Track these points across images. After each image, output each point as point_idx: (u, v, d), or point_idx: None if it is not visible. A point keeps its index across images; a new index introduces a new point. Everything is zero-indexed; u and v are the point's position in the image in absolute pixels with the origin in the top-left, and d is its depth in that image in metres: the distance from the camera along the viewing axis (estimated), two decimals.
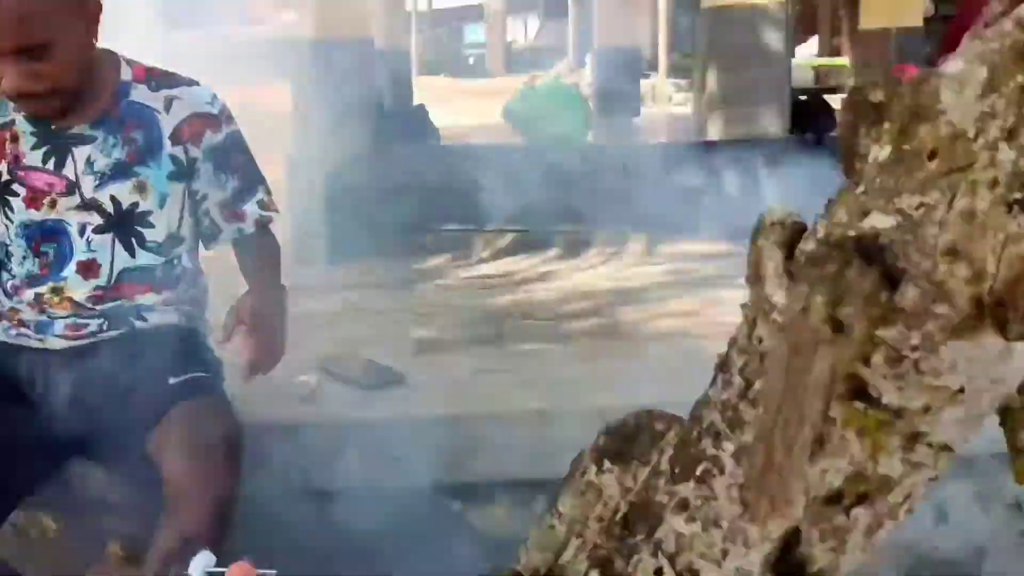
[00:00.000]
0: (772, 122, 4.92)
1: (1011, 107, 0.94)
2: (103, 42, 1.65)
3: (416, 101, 6.91)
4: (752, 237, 1.24)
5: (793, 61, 17.08)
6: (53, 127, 1.67)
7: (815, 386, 1.03)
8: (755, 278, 1.19)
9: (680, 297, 4.04)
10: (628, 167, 5.13)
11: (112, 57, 1.76)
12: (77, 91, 1.65)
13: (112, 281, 1.72)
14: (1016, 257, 0.92)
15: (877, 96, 1.08)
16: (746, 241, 1.24)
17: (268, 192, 1.86)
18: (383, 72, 6.16)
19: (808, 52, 21.53)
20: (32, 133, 1.67)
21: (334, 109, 5.53)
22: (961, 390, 1.00)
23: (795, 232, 1.19)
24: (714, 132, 5.05)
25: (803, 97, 5.44)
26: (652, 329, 3.53)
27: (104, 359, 1.75)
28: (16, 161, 1.68)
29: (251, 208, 1.81)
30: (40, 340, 1.75)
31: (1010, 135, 0.93)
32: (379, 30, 6.43)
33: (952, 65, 1.00)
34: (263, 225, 1.86)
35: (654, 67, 16.49)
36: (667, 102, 14.52)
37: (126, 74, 1.71)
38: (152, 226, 1.72)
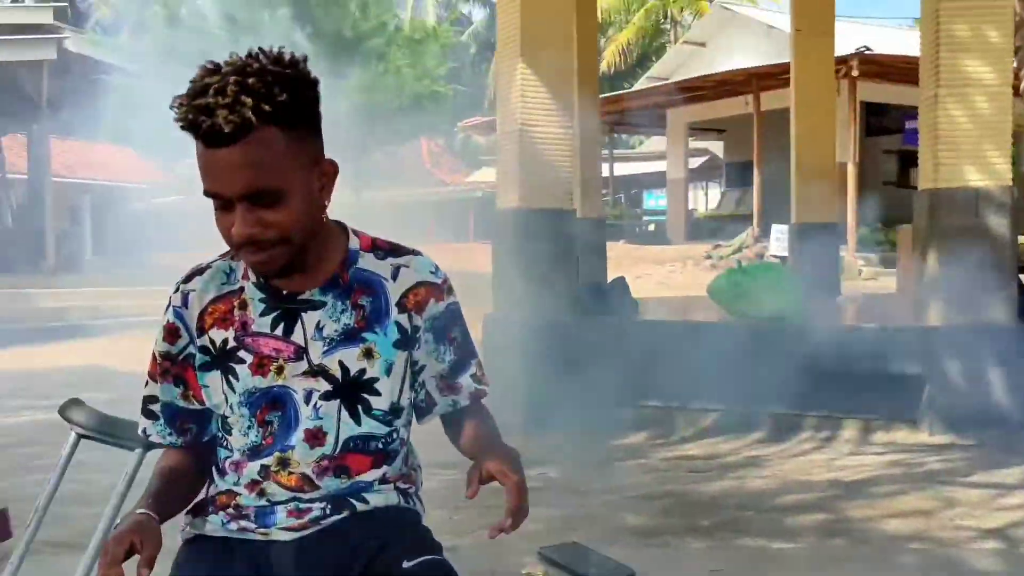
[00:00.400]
0: (998, 308, 4.67)
1: None
2: None
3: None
4: None
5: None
6: (284, 292, 1.65)
7: None
8: None
9: (908, 493, 3.78)
10: (838, 348, 4.94)
11: (340, 226, 1.76)
12: (305, 252, 1.64)
13: (337, 450, 1.65)
14: None
15: None
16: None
17: (480, 366, 1.79)
18: (580, 241, 6.23)
19: None
20: (261, 299, 1.66)
21: (533, 275, 5.59)
22: None
23: None
24: (933, 316, 4.82)
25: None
26: (885, 530, 3.29)
27: (333, 547, 1.65)
28: (244, 328, 1.65)
29: (466, 381, 1.75)
30: (264, 533, 1.67)
31: None
32: (577, 201, 6.53)
33: None
34: (477, 399, 1.77)
35: (842, 240, 16.24)
36: (856, 276, 14.24)
37: (354, 243, 1.70)
38: (378, 394, 1.66)
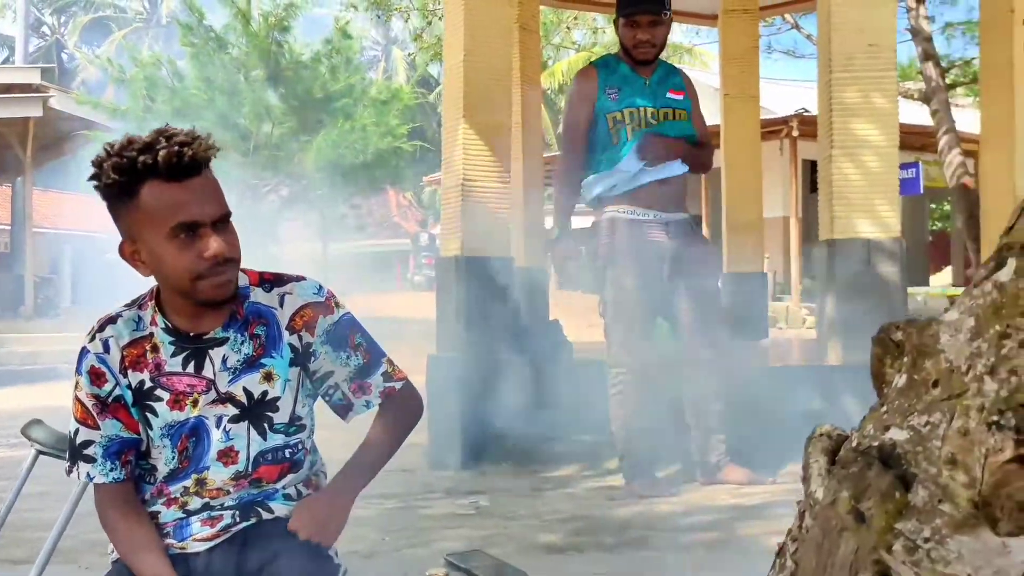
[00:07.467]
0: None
1: (992, 349, 1.20)
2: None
3: (552, 316, 7.27)
4: (805, 445, 1.50)
5: (926, 290, 17.17)
6: (192, 334, 1.81)
7: (841, 565, 1.27)
8: (805, 478, 1.44)
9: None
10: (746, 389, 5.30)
11: None
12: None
13: (250, 466, 1.85)
14: (996, 465, 1.16)
15: (897, 336, 1.36)
16: None
17: (391, 363, 1.95)
18: (522, 288, 6.59)
19: (944, 281, 21.84)
20: (171, 342, 1.80)
21: (476, 320, 5.93)
22: None
23: (839, 442, 1.45)
24: (833, 357, 5.22)
25: None
26: (767, 545, 3.67)
27: (241, 554, 1.84)
28: (158, 369, 1.80)
29: (376, 380, 1.92)
30: (181, 547, 1.83)
31: (992, 371, 1.20)
32: (520, 250, 6.89)
33: (949, 314, 1.27)
34: (388, 396, 1.94)
35: (787, 291, 16.82)
36: (801, 325, 14.73)
37: (243, 280, 1.86)
38: (278, 410, 1.85)
